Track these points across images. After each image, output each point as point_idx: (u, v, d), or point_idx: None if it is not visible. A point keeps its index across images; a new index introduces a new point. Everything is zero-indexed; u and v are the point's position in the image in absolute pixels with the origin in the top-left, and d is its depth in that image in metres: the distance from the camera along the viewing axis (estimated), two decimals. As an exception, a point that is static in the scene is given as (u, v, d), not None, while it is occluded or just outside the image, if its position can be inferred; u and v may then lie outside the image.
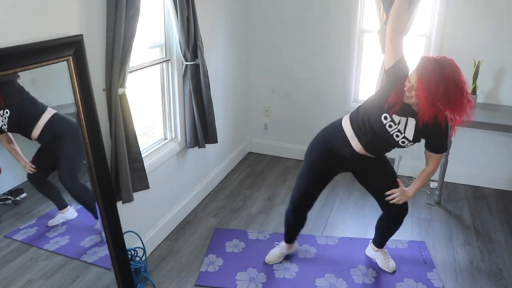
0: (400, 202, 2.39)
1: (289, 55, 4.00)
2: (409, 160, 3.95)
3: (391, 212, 2.51)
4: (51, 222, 2.13)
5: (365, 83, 3.96)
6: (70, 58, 1.93)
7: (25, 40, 1.72)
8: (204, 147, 3.15)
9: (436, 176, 3.69)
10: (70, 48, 1.92)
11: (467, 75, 3.47)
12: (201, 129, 3.07)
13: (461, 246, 2.94)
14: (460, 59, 3.50)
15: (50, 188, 2.15)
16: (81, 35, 1.96)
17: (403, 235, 3.05)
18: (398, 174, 3.97)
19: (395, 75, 2.17)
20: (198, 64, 2.92)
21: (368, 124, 2.23)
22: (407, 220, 3.23)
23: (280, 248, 2.75)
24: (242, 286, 2.52)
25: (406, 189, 2.42)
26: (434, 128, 2.17)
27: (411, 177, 3.92)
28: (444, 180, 3.49)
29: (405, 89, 2.11)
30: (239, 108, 4.12)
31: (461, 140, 3.68)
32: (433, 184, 3.75)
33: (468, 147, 3.73)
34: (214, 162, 3.69)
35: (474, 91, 3.42)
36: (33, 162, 1.99)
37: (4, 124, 1.80)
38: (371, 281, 2.59)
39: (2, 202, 1.85)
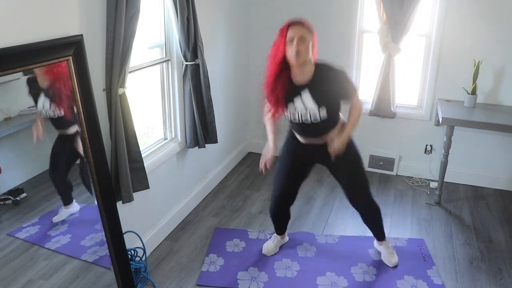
0: (336, 147, 2.29)
1: (289, 55, 4.00)
2: (409, 160, 3.95)
3: (350, 201, 2.62)
4: (56, 218, 2.14)
5: (365, 83, 3.96)
6: (70, 58, 1.93)
7: (25, 40, 1.72)
8: (204, 147, 3.15)
9: (436, 176, 3.69)
10: (70, 48, 1.92)
11: (467, 75, 3.51)
12: (201, 129, 3.07)
13: (461, 246, 2.94)
14: (460, 59, 3.55)
15: (68, 186, 2.19)
16: (81, 35, 1.96)
17: (403, 233, 3.05)
18: (398, 174, 3.98)
19: None
20: (198, 64, 2.92)
21: (291, 124, 2.40)
22: (406, 220, 3.25)
23: (273, 240, 2.85)
24: (243, 285, 2.52)
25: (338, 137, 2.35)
26: (328, 81, 2.26)
27: (411, 177, 3.92)
28: (444, 180, 3.49)
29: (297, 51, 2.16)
30: (239, 108, 4.12)
31: (461, 140, 3.68)
32: (433, 184, 3.75)
33: (468, 147, 3.73)
34: (214, 162, 3.69)
35: (474, 91, 3.42)
36: (52, 154, 2.06)
37: None
38: (372, 278, 2.60)
39: (2, 202, 1.85)
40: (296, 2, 3.84)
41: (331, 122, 2.36)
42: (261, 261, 2.73)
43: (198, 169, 3.41)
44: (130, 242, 2.50)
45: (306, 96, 2.25)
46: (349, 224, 3.19)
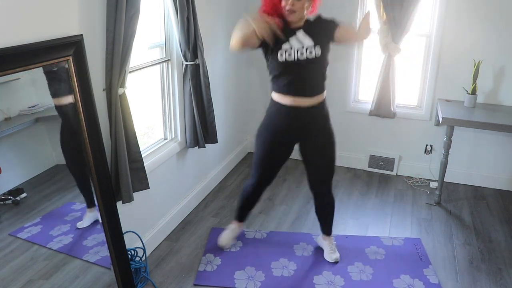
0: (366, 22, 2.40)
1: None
2: (409, 160, 3.95)
3: (315, 191, 2.66)
4: (80, 224, 2.18)
5: (365, 83, 3.96)
6: (70, 58, 1.93)
7: (25, 40, 1.72)
8: (204, 147, 3.15)
9: (436, 176, 3.69)
10: (70, 48, 1.92)
11: (467, 75, 3.52)
12: (201, 129, 3.07)
13: (461, 246, 2.94)
14: (460, 59, 3.55)
15: (88, 183, 2.18)
16: (81, 35, 1.96)
17: (403, 233, 3.05)
18: (398, 174, 3.98)
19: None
20: (198, 64, 2.92)
21: (279, 74, 2.34)
22: (406, 220, 3.25)
23: (232, 230, 2.88)
24: (240, 284, 2.53)
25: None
26: (320, 22, 2.36)
27: (411, 177, 3.92)
28: (444, 180, 3.49)
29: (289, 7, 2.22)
30: (239, 108, 4.12)
31: (461, 140, 3.68)
32: (433, 184, 3.75)
33: (468, 147, 3.73)
34: (214, 162, 3.69)
35: (474, 91, 3.42)
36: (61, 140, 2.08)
37: None
38: (368, 278, 2.60)
39: (2, 202, 1.85)
40: (296, 2, 3.84)
41: (320, 72, 2.38)
42: (258, 261, 2.73)
43: (198, 169, 3.41)
44: (130, 242, 2.50)
45: (301, 35, 2.30)
46: (349, 224, 3.19)
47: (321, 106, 2.43)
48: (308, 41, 2.29)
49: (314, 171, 2.59)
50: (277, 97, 2.43)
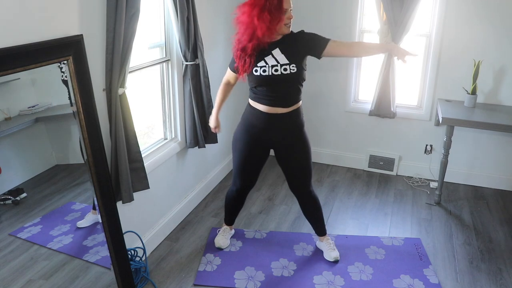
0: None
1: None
2: (409, 160, 3.95)
3: (296, 194, 2.69)
4: (81, 223, 2.19)
5: (365, 83, 3.96)
6: (70, 58, 1.93)
7: (25, 40, 1.72)
8: (204, 147, 3.16)
9: (436, 176, 3.69)
10: (70, 48, 1.92)
11: (467, 75, 3.52)
12: (201, 129, 3.08)
13: (461, 246, 2.94)
14: (460, 59, 3.55)
15: None
16: (81, 35, 1.96)
17: (402, 233, 3.05)
18: (398, 174, 3.98)
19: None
20: (198, 64, 2.92)
21: (256, 86, 2.43)
22: (406, 220, 3.25)
23: (223, 234, 2.93)
24: (240, 284, 2.53)
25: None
26: (302, 39, 2.38)
27: (411, 177, 3.92)
28: (444, 180, 3.49)
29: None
30: (239, 108, 4.11)
31: (461, 140, 3.68)
32: (433, 184, 3.75)
33: (468, 147, 3.73)
34: (214, 162, 3.69)
35: (474, 91, 3.42)
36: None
37: None
38: (368, 278, 2.60)
39: (2, 202, 1.85)
40: (296, 2, 3.83)
41: (296, 87, 2.42)
42: (258, 261, 2.73)
43: (198, 169, 3.41)
44: (130, 242, 2.50)
45: (277, 53, 2.34)
46: (348, 225, 3.19)
47: (296, 113, 2.48)
48: (283, 60, 2.34)
49: (290, 176, 2.64)
50: (253, 103, 2.50)
